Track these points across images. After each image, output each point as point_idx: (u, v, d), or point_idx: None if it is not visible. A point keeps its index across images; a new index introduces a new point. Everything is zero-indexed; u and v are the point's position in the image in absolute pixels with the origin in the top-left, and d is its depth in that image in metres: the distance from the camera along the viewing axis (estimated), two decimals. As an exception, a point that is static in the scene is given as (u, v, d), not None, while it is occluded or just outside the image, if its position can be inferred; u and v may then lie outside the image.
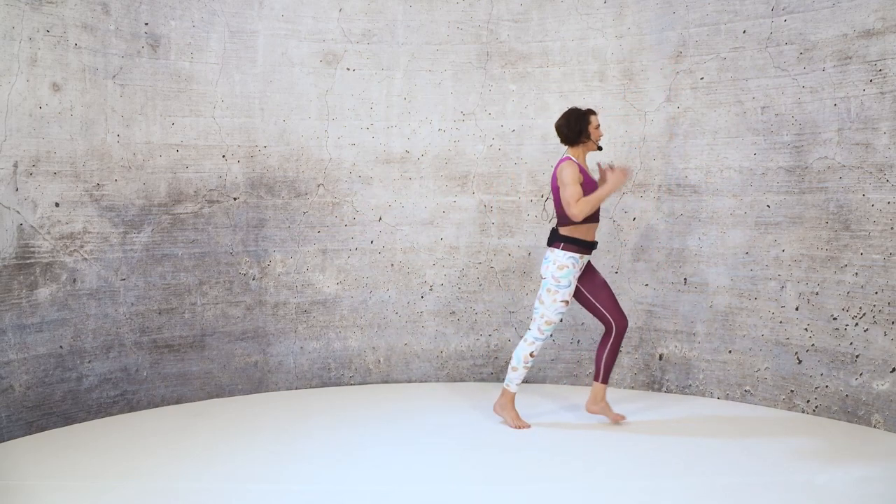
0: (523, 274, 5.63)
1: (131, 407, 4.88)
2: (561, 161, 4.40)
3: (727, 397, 5.12)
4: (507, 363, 5.62)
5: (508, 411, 4.53)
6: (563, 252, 4.37)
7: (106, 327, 4.78)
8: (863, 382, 4.53)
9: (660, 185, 5.32)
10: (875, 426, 4.47)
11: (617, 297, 4.65)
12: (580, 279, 4.48)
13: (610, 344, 4.49)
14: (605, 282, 4.55)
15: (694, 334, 5.23)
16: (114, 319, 4.82)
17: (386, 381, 5.62)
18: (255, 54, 5.30)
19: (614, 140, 5.43)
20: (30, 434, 4.38)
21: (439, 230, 5.65)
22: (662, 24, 5.25)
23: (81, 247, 4.68)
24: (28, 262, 4.42)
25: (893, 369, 4.41)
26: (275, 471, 3.82)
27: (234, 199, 5.28)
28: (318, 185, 5.49)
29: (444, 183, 5.63)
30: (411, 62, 5.57)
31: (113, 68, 4.79)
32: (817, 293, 4.74)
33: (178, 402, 5.07)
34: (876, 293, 4.48)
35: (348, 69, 5.50)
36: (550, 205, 5.39)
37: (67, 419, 4.58)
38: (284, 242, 5.43)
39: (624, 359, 5.44)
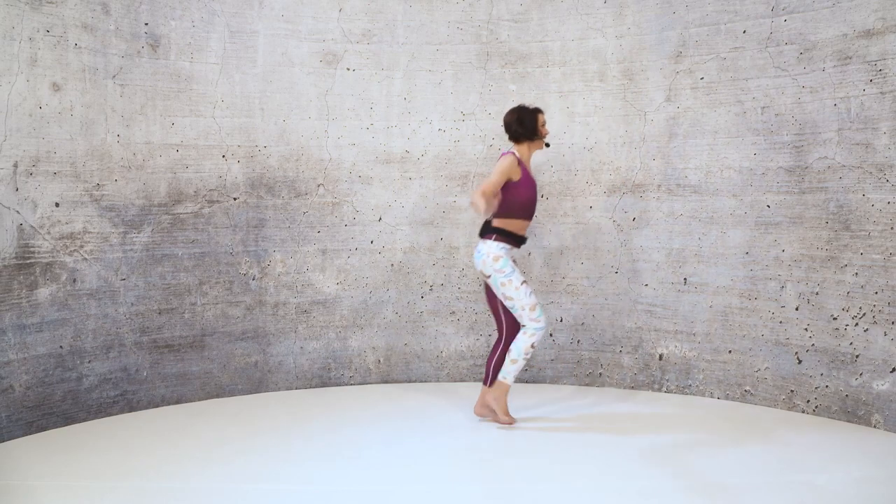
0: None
1: (131, 407, 4.88)
2: (504, 154, 4.45)
3: (727, 397, 5.12)
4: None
5: (501, 404, 4.49)
6: (496, 243, 4.40)
7: (106, 327, 4.78)
8: (863, 382, 4.53)
9: (660, 185, 5.32)
10: (875, 426, 4.47)
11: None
12: None
13: (501, 350, 4.55)
14: None
15: (694, 334, 5.23)
16: (114, 319, 4.82)
17: (386, 381, 5.62)
18: (255, 54, 5.30)
19: (614, 140, 5.43)
20: (30, 434, 4.38)
21: (439, 230, 5.64)
22: (662, 24, 5.25)
23: (81, 247, 4.68)
24: (28, 262, 4.42)
25: (893, 369, 4.41)
26: (275, 471, 3.82)
27: (234, 199, 5.28)
28: (318, 185, 5.49)
29: (444, 183, 5.63)
30: (411, 62, 5.57)
31: (113, 68, 4.79)
32: (817, 293, 4.74)
33: (178, 402, 5.07)
34: (876, 293, 4.48)
35: (348, 69, 5.50)
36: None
37: (67, 419, 4.58)
38: (284, 242, 5.43)
39: (624, 359, 5.44)
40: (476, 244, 4.53)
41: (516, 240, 4.46)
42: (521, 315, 4.39)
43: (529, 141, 4.51)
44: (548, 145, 4.61)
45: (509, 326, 4.55)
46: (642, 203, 5.37)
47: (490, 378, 4.56)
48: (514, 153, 4.44)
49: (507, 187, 4.38)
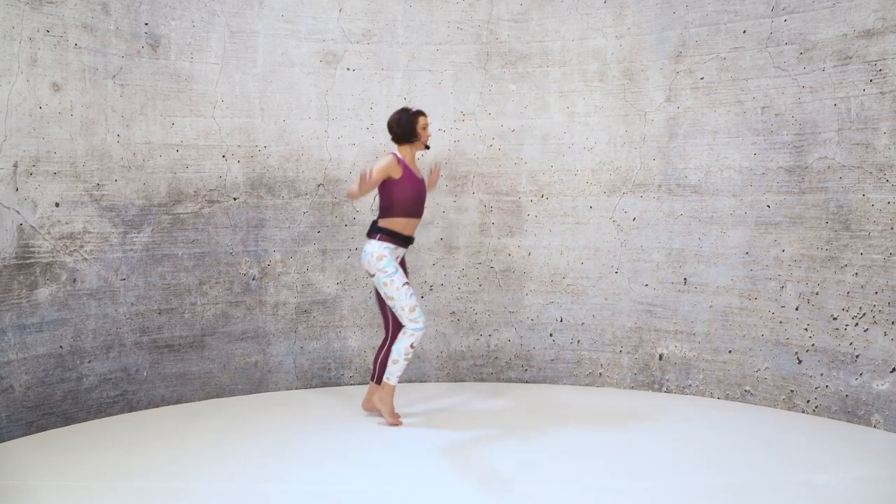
0: (523, 274, 5.63)
1: (131, 407, 4.88)
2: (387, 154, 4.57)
3: (727, 397, 5.12)
4: (507, 362, 5.63)
5: (386, 405, 4.56)
6: (379, 243, 4.50)
7: (106, 327, 4.78)
8: (863, 382, 4.53)
9: (660, 185, 5.32)
10: (875, 426, 4.47)
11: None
12: None
13: (387, 349, 4.66)
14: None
15: (694, 334, 5.23)
16: (114, 319, 4.82)
17: (386, 381, 5.62)
18: (255, 54, 5.30)
19: (614, 140, 5.44)
20: (30, 434, 4.38)
21: (439, 230, 5.64)
22: (662, 24, 5.25)
23: (81, 247, 4.68)
24: (28, 262, 4.42)
25: (893, 369, 4.41)
26: (275, 471, 3.82)
27: (234, 199, 5.28)
28: (318, 185, 5.49)
29: (443, 183, 5.63)
30: (411, 62, 5.57)
31: (113, 68, 4.79)
32: (817, 293, 4.74)
33: (178, 402, 5.07)
34: (876, 293, 4.48)
35: (348, 69, 5.50)
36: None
37: (67, 419, 4.58)
38: (284, 242, 5.43)
39: (624, 359, 5.44)
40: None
41: (402, 239, 4.56)
42: (402, 315, 4.50)
43: (409, 143, 4.62)
44: (427, 147, 4.71)
45: (395, 326, 4.65)
46: (642, 203, 5.37)
47: (377, 375, 4.67)
48: (395, 154, 4.56)
49: (389, 186, 4.50)
